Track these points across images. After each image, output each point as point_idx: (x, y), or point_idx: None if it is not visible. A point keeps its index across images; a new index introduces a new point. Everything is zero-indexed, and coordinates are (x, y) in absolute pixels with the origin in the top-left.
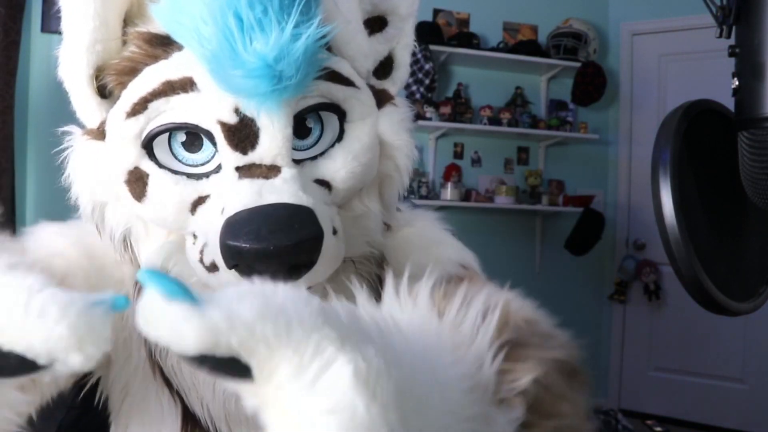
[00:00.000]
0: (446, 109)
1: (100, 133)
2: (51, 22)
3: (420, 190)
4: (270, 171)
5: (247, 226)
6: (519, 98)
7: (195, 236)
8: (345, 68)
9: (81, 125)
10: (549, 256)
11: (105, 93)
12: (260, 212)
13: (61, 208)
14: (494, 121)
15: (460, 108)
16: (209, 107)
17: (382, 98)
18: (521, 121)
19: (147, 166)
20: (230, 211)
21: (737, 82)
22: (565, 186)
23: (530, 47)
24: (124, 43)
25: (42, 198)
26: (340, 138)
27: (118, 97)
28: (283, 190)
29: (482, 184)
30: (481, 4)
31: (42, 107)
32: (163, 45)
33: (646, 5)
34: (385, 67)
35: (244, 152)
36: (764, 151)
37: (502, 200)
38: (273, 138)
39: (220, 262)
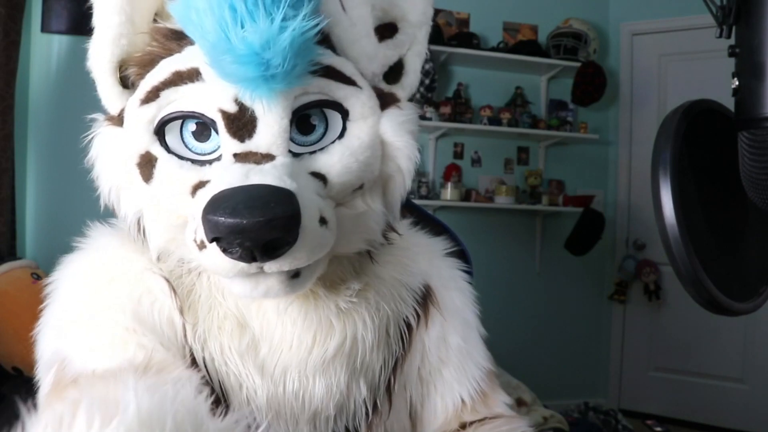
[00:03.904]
0: (446, 109)
1: (119, 120)
2: (51, 22)
3: (420, 190)
4: (264, 158)
5: (226, 201)
6: (519, 98)
7: (193, 218)
8: (347, 68)
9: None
10: (549, 256)
11: (128, 84)
12: (241, 190)
13: (61, 208)
14: (494, 121)
15: (460, 108)
16: (212, 96)
17: (387, 101)
18: (521, 121)
19: (157, 150)
20: (216, 190)
21: (737, 82)
22: (565, 186)
23: (530, 47)
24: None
25: (42, 198)
26: (341, 136)
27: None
28: (269, 173)
29: (482, 184)
30: (481, 4)
31: (42, 107)
32: (177, 39)
33: (646, 5)
34: (395, 72)
35: (242, 140)
36: (764, 151)
37: (502, 200)
38: (269, 127)
39: (206, 237)
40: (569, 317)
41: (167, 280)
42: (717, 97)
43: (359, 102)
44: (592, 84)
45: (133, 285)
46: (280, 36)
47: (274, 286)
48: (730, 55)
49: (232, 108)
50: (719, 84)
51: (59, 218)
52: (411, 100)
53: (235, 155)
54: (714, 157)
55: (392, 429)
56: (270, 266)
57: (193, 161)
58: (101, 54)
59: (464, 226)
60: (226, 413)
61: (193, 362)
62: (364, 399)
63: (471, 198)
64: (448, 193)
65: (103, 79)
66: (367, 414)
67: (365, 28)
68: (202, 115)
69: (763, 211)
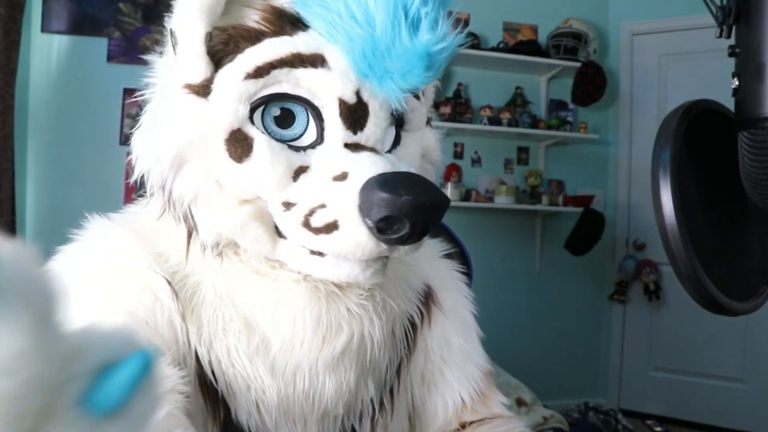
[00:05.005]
0: (446, 109)
1: (202, 89)
2: (51, 22)
3: None
4: (372, 152)
5: (402, 182)
6: (519, 98)
7: (289, 204)
8: None
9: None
10: (549, 256)
11: (212, 54)
12: (408, 175)
13: (61, 208)
14: (494, 121)
15: (460, 108)
16: (335, 84)
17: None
18: (521, 121)
19: (251, 129)
20: (365, 175)
21: (737, 82)
22: (565, 186)
23: (530, 47)
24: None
25: (42, 198)
26: (396, 144)
27: (224, 59)
28: (406, 164)
29: (482, 184)
30: (481, 4)
31: (42, 107)
32: (291, 23)
33: (646, 5)
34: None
35: (354, 131)
36: (764, 151)
37: (502, 200)
38: (377, 124)
39: (352, 218)
40: (569, 317)
41: (168, 282)
42: (717, 97)
43: (420, 115)
44: (592, 84)
45: (134, 280)
46: (448, 44)
47: (379, 270)
48: (730, 55)
49: (352, 99)
50: (719, 84)
51: (59, 218)
52: None
53: (347, 145)
54: (714, 157)
55: (392, 430)
56: (401, 249)
57: (289, 145)
58: (194, 20)
59: (464, 226)
60: (229, 415)
61: (198, 364)
62: (372, 398)
63: (471, 198)
64: (448, 193)
65: (191, 44)
66: (373, 414)
67: None
68: (308, 101)
69: (763, 211)
